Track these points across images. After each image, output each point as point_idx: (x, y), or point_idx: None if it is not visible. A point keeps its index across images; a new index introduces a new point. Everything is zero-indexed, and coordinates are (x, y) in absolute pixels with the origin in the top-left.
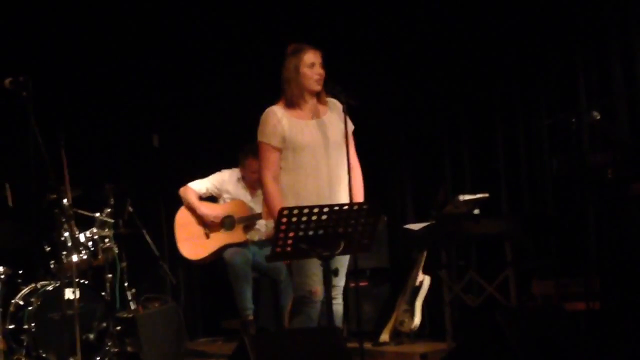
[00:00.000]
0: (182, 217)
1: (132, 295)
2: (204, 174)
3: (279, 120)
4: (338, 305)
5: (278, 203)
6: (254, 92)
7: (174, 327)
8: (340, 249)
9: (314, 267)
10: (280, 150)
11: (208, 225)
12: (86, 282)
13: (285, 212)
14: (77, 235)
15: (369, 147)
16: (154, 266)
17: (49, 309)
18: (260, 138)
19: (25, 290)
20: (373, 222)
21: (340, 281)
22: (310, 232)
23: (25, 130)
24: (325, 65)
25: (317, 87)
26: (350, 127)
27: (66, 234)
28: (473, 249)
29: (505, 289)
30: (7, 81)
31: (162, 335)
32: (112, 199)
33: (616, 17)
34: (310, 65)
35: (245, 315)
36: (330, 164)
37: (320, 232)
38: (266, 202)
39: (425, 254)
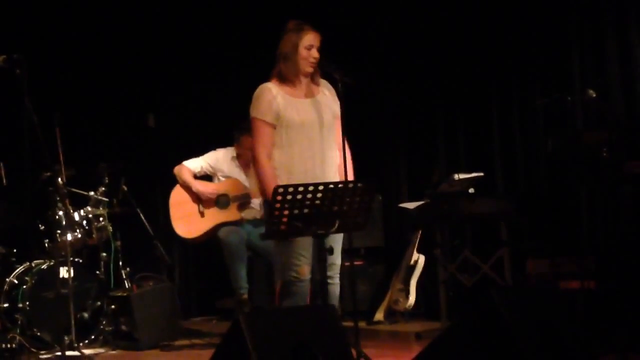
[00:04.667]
0: (177, 196)
1: (127, 274)
2: (199, 153)
3: (274, 96)
4: (335, 285)
5: (270, 180)
6: (249, 72)
7: (169, 306)
8: (335, 227)
9: (301, 247)
10: (274, 126)
11: (203, 203)
12: (80, 261)
13: (280, 190)
14: (71, 214)
15: (364, 126)
16: (148, 245)
17: (44, 288)
18: (253, 114)
19: (19, 269)
20: (368, 201)
21: (336, 259)
22: (305, 210)
23: (20, 108)
24: (323, 45)
25: (310, 70)
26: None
27: (60, 212)
28: (468, 228)
29: (500, 268)
30: (0, 59)
31: (157, 314)
32: (106, 178)
33: None
34: (309, 47)
35: (240, 294)
36: (323, 143)
37: (315, 210)
38: (258, 179)
39: (420, 233)
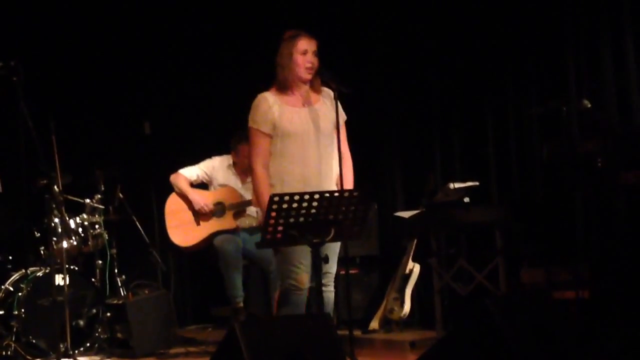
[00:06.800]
0: (173, 204)
1: (122, 281)
2: (195, 161)
3: (270, 106)
4: (329, 292)
5: (265, 190)
6: (246, 79)
7: (164, 313)
8: (331, 236)
9: (300, 256)
10: (270, 136)
11: (198, 212)
12: (76, 269)
13: (276, 198)
14: (67, 222)
15: (359, 135)
16: (144, 253)
17: (39, 295)
18: (250, 124)
19: (15, 276)
20: (364, 210)
21: (331, 268)
22: (301, 219)
23: (16, 115)
24: (318, 52)
25: (307, 76)
26: (343, 117)
27: (56, 219)
28: (463, 237)
29: (494, 277)
30: None
31: (152, 322)
32: (102, 185)
33: (606, 4)
34: (303, 52)
35: (235, 303)
36: (320, 153)
37: (311, 219)
38: (254, 188)
39: (415, 241)
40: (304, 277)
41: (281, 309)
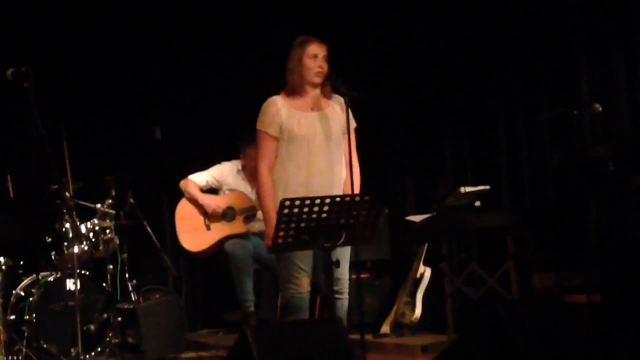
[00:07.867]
0: (183, 209)
1: (133, 286)
2: (205, 167)
3: (278, 109)
4: (344, 299)
5: (268, 194)
6: (256, 85)
7: (175, 318)
8: (342, 240)
9: (299, 260)
10: (277, 139)
11: (209, 217)
12: (87, 274)
13: (287, 203)
14: (78, 227)
15: (370, 139)
16: (155, 258)
17: (50, 300)
18: (258, 126)
19: (26, 281)
20: (375, 214)
21: (343, 274)
22: (312, 224)
23: (27, 121)
24: (329, 58)
25: (317, 80)
26: (353, 124)
27: (67, 225)
28: (474, 241)
29: (506, 282)
30: (9, 72)
31: (163, 327)
32: (113, 191)
33: (617, 8)
34: (313, 56)
35: (246, 307)
36: (327, 158)
37: (322, 223)
38: (257, 191)
39: (426, 246)
40: (304, 281)
41: (285, 316)
